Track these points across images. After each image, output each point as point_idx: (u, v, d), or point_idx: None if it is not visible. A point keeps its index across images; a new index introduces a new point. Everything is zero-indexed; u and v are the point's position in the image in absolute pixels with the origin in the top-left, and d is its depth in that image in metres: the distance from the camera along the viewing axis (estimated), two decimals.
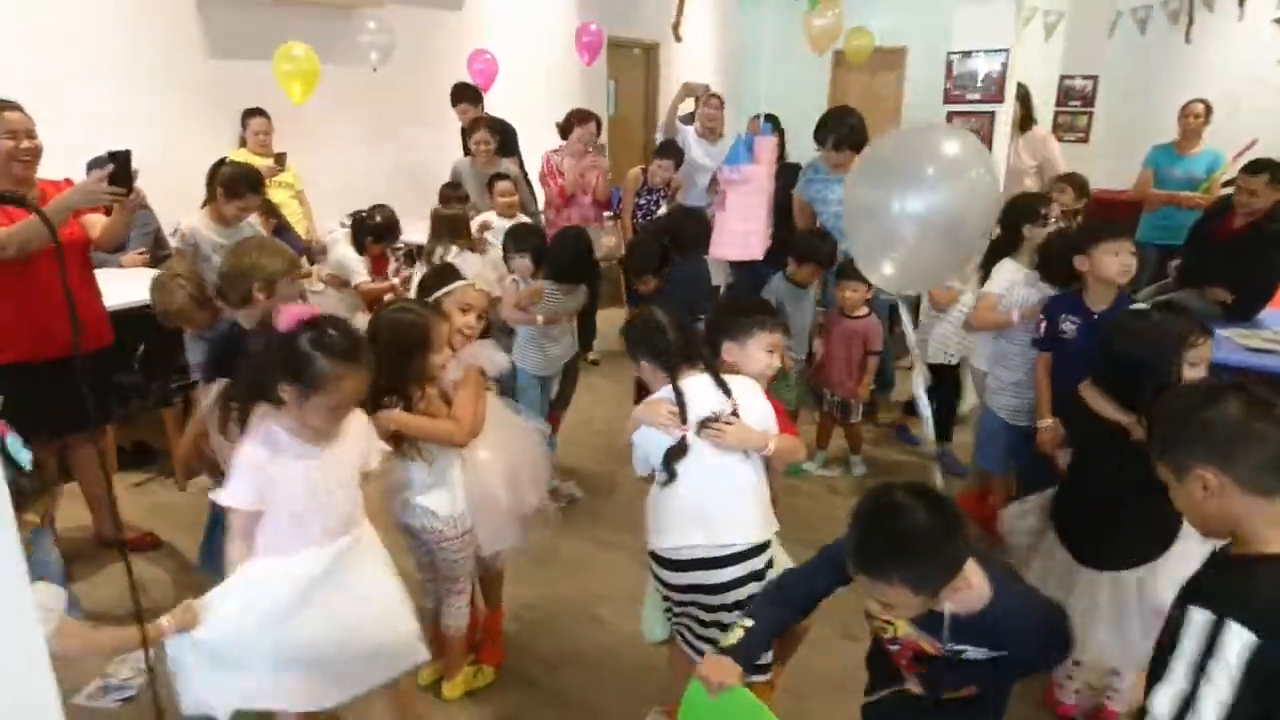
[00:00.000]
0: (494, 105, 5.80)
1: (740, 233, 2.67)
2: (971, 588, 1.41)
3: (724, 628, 1.87)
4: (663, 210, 5.22)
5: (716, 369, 2.00)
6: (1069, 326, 2.72)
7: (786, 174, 4.44)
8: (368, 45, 5.33)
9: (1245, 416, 1.23)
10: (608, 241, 5.17)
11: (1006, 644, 1.44)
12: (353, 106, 5.77)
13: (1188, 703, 1.17)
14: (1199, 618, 1.18)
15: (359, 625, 1.85)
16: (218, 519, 2.32)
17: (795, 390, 3.84)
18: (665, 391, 1.96)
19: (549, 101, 7.11)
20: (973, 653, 1.47)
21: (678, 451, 1.91)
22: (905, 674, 1.59)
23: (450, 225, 4.05)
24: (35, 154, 2.70)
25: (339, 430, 1.80)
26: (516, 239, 3.46)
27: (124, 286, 3.36)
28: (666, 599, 2.03)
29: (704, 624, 1.97)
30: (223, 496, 1.78)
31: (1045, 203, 3.30)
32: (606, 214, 5.28)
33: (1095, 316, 2.66)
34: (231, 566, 1.80)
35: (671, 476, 1.91)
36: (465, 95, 5.61)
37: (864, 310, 3.74)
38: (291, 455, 1.75)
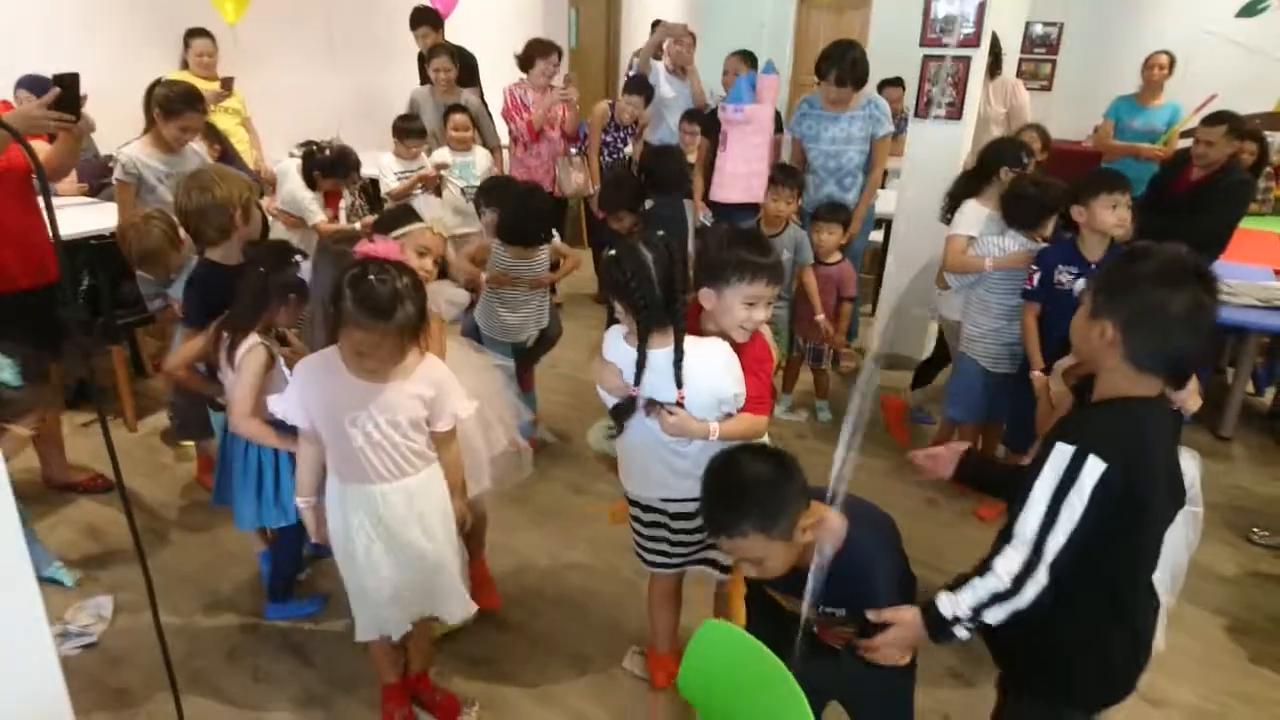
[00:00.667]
0: (453, 33, 5.55)
1: (743, 175, 2.56)
2: (825, 521, 1.49)
3: (705, 545, 2.04)
4: (630, 149, 5.10)
5: (681, 346, 1.80)
6: (1065, 277, 2.75)
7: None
8: None
9: (1177, 311, 1.31)
10: (576, 179, 5.03)
11: (867, 587, 1.49)
12: (302, 29, 5.46)
13: (1047, 523, 1.33)
14: (1063, 450, 1.34)
15: (401, 573, 1.91)
16: (226, 456, 2.33)
17: (782, 339, 3.82)
18: (624, 354, 1.85)
19: (509, 30, 6.84)
20: (841, 615, 1.56)
21: (625, 409, 1.89)
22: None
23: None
24: None
25: (391, 372, 1.75)
26: (486, 193, 3.26)
27: (66, 218, 3.15)
28: (635, 515, 2.10)
29: (672, 543, 2.06)
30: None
31: (1027, 150, 3.30)
32: (573, 149, 5.12)
33: (1091, 266, 2.70)
34: (298, 478, 1.95)
35: (620, 429, 1.93)
36: (425, 19, 5.35)
37: (838, 256, 3.72)
38: (337, 380, 1.76)
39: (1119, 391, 1.39)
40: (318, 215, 3.86)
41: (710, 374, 1.80)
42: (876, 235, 5.01)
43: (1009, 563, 1.35)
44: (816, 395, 3.99)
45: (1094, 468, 1.30)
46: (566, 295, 5.35)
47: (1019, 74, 5.88)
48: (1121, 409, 1.38)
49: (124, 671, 2.31)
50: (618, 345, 1.87)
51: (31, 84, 3.88)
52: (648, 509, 2.04)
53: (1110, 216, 2.63)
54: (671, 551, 2.08)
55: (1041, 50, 7.55)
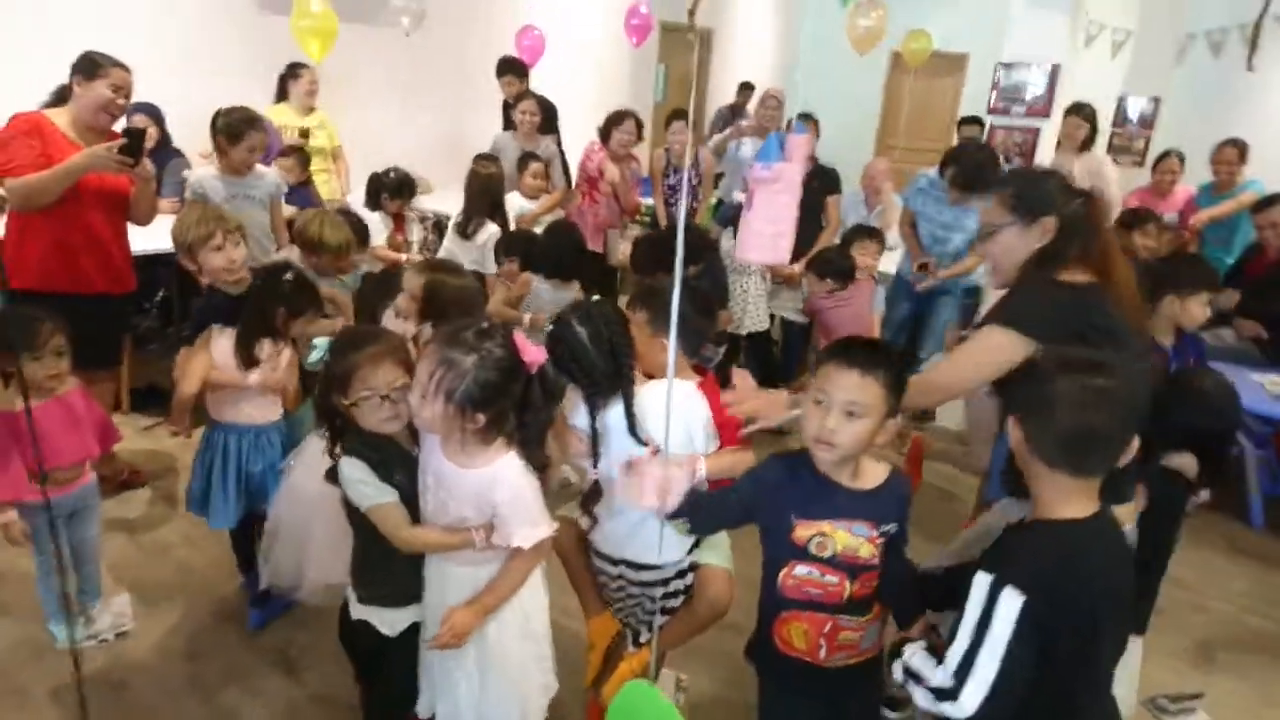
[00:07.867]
0: (538, 83, 5.76)
1: (769, 235, 2.49)
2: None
3: (666, 612, 1.93)
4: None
5: (631, 406, 1.73)
6: None
7: (820, 175, 4.35)
8: (400, 9, 5.30)
9: (1064, 395, 1.31)
10: (624, 249, 5.07)
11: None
12: (390, 69, 5.76)
13: (969, 658, 1.28)
14: (981, 581, 1.30)
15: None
16: (207, 467, 2.41)
17: None
18: (581, 419, 1.76)
19: (594, 82, 7.06)
20: (893, 530, 1.56)
21: (591, 497, 1.81)
22: (817, 644, 1.57)
23: (487, 187, 3.97)
24: (122, 111, 2.96)
25: (474, 459, 1.61)
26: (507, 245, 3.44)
27: (145, 233, 3.37)
28: (602, 576, 1.99)
29: (648, 611, 1.97)
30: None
31: None
32: (629, 220, 5.18)
33: (1167, 351, 2.59)
34: None
35: (593, 519, 1.87)
36: (511, 68, 5.58)
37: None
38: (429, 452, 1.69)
39: (1047, 510, 1.36)
40: (378, 238, 4.08)
41: (675, 409, 1.68)
42: None
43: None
44: None
45: (1013, 599, 1.26)
46: None
47: (1110, 148, 5.67)
48: (1046, 531, 1.34)
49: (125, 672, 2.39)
50: (580, 411, 1.79)
51: (149, 110, 4.23)
52: (615, 562, 1.94)
53: (1200, 313, 2.56)
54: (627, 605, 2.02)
55: (1135, 125, 7.28)
